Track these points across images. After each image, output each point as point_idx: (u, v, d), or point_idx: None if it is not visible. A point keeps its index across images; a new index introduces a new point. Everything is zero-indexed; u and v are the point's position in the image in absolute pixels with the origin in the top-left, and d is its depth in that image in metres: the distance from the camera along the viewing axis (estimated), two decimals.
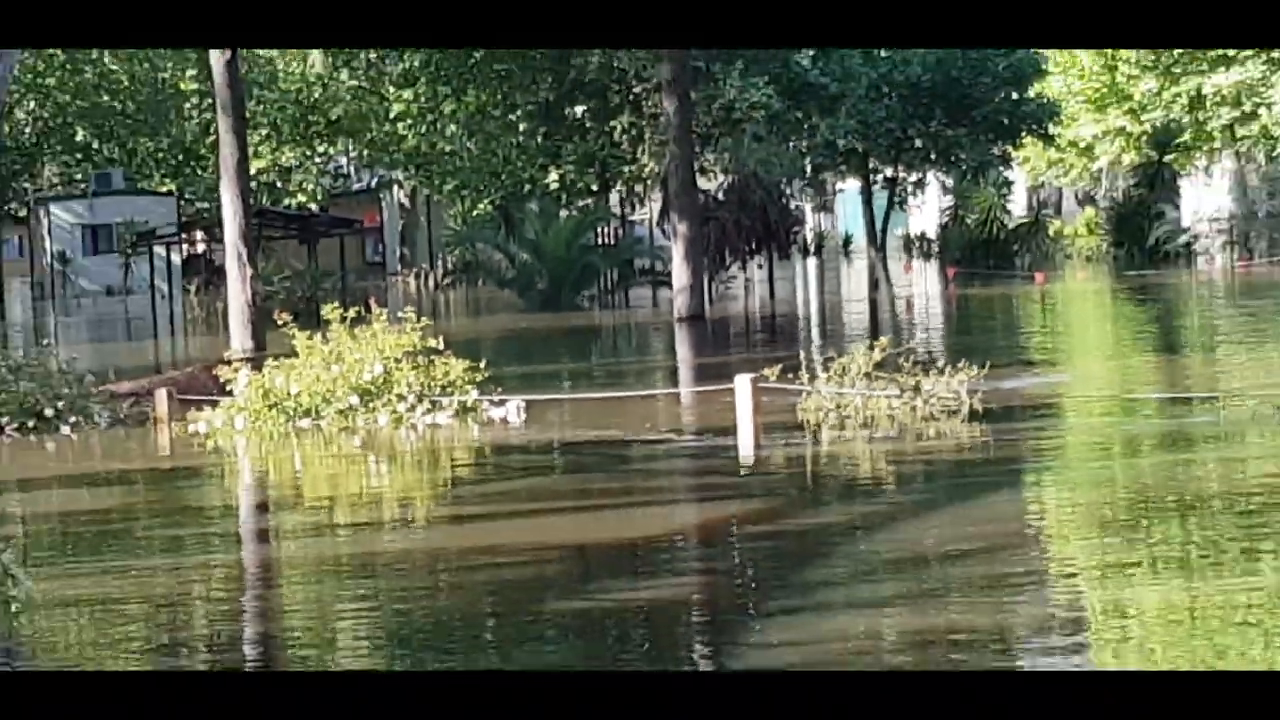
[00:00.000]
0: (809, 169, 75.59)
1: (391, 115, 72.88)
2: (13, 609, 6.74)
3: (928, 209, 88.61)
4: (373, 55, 71.21)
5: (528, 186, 66.16)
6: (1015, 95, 73.64)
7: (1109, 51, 74.87)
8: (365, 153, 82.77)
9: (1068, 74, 76.49)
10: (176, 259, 71.92)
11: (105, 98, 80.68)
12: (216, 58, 40.10)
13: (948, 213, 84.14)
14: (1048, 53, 74.55)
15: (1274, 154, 76.03)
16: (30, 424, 25.56)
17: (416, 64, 67.29)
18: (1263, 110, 73.73)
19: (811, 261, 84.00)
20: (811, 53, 67.32)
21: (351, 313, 25.22)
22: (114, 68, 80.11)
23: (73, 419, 25.83)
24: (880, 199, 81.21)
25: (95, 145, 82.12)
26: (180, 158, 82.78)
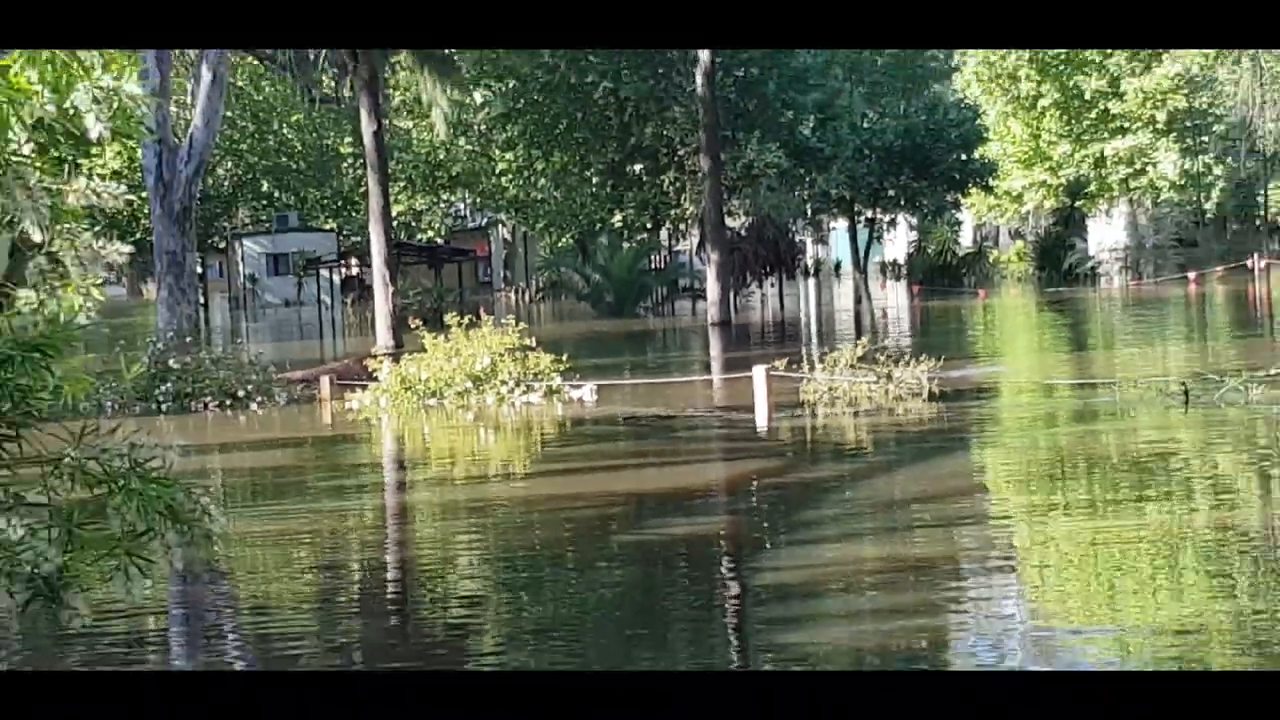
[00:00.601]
0: (809, 212, 75.51)
1: (497, 171, 73.04)
2: (211, 541, 5.86)
3: (898, 241, 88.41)
4: (482, 126, 71.32)
5: (599, 225, 66.25)
6: (964, 157, 73.34)
7: (1035, 122, 74.62)
8: (477, 200, 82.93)
9: (1003, 140, 76.18)
10: (337, 279, 72.17)
11: (284, 159, 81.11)
12: (366, 128, 40.17)
13: (913, 244, 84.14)
14: (987, 122, 74.38)
15: (1158, 200, 75.78)
16: (227, 402, 25.77)
17: (516, 133, 67.53)
18: (1150, 168, 73.55)
19: (811, 281, 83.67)
20: (812, 124, 67.26)
21: (466, 319, 25.32)
22: (290, 136, 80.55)
23: (258, 398, 26.04)
24: (863, 234, 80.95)
25: (276, 194, 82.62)
26: (339, 203, 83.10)
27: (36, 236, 4.42)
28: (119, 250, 4.49)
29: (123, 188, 4.52)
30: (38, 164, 4.48)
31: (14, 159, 4.42)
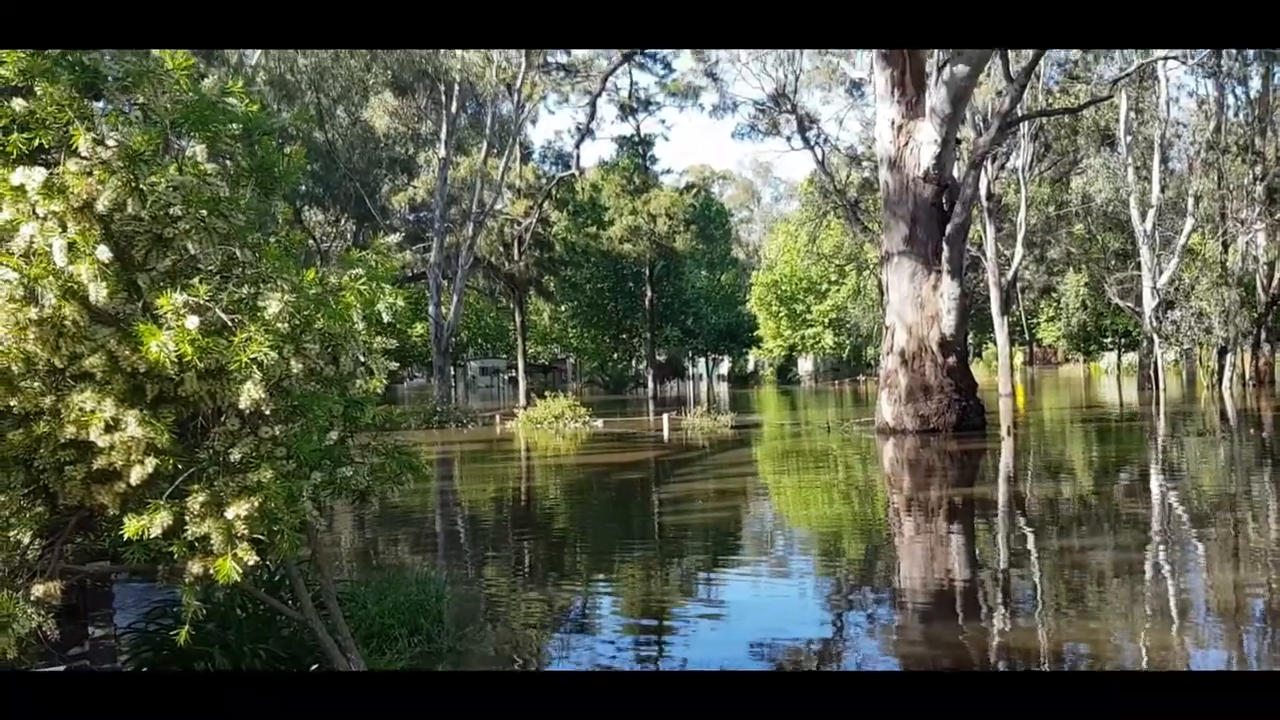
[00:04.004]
0: (690, 354, 75.03)
1: (570, 335, 72.30)
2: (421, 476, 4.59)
3: (725, 365, 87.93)
4: (565, 316, 69.66)
5: (608, 357, 65.73)
6: (751, 333, 73.47)
7: (778, 320, 73.17)
8: (562, 346, 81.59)
9: (766, 327, 75.44)
10: (505, 377, 71.80)
11: (484, 330, 79.71)
12: (517, 320, 39.87)
13: (730, 367, 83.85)
14: (760, 320, 73.20)
15: (826, 353, 75.05)
16: (456, 423, 25.26)
17: (577, 320, 67.00)
18: (822, 340, 73.04)
19: (690, 382, 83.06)
20: (691, 320, 66.86)
21: (553, 395, 25.30)
22: (488, 321, 78.44)
23: (469, 423, 25.84)
24: (711, 363, 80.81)
25: (482, 342, 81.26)
26: (507, 347, 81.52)
27: (360, 359, 4.23)
28: (389, 365, 4.24)
29: (394, 342, 4.25)
30: (362, 332, 4.15)
31: (352, 330, 4.06)
